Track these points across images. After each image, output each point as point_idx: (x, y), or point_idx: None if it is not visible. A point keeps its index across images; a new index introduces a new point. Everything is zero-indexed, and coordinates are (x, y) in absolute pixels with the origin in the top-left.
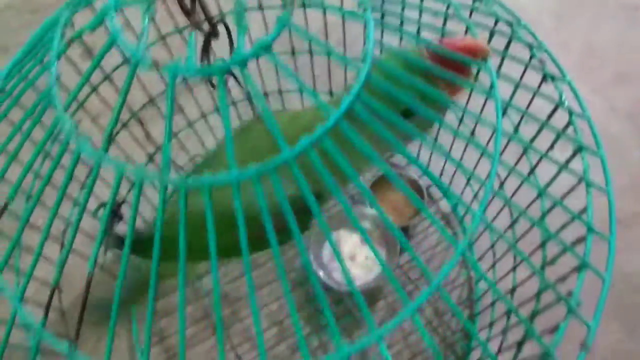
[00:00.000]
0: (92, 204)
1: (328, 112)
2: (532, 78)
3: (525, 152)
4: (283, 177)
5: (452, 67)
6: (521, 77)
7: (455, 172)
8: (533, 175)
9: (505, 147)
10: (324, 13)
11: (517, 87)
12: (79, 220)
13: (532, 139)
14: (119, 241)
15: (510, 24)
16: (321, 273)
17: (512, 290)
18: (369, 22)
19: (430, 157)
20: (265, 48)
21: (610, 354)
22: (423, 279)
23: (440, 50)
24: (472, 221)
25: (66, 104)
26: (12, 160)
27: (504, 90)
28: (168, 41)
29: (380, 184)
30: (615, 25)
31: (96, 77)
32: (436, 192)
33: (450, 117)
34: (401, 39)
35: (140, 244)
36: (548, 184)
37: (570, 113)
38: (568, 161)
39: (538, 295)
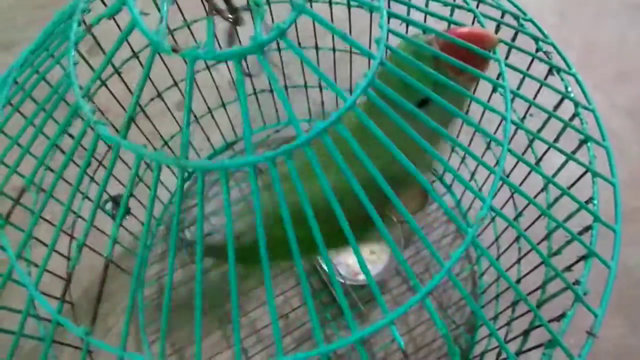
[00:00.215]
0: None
1: (344, 99)
2: (538, 72)
3: (530, 144)
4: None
5: (462, 57)
6: (528, 68)
7: (459, 166)
8: (538, 166)
9: (511, 139)
10: (330, 6)
11: (524, 77)
12: (98, 201)
13: (539, 130)
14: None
15: (516, 17)
16: (326, 267)
17: (517, 283)
18: (382, 10)
19: None
20: (282, 34)
21: (612, 347)
22: (427, 273)
23: (451, 40)
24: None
25: (86, 88)
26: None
27: (509, 83)
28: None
29: None
30: (616, 22)
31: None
32: (440, 187)
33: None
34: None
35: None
36: (555, 174)
37: (576, 104)
38: (574, 151)
39: (544, 285)
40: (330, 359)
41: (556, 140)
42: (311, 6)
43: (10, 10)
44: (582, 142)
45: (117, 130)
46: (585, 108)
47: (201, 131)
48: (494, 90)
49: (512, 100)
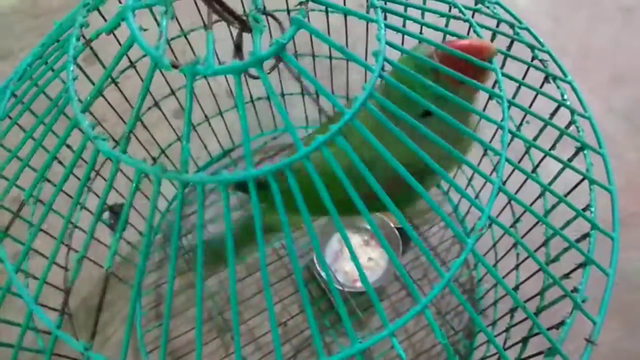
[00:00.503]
0: (93, 207)
1: (343, 111)
2: (534, 79)
3: (527, 151)
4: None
5: (461, 69)
6: (524, 75)
7: (455, 173)
8: (535, 173)
9: (507, 146)
10: (327, 15)
11: (520, 85)
12: (98, 215)
13: (535, 138)
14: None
15: (511, 26)
16: (324, 274)
17: (515, 289)
18: (379, 23)
19: None
20: (281, 49)
21: (610, 352)
22: (425, 280)
23: (450, 52)
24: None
25: (84, 104)
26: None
27: (506, 89)
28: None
29: None
30: (611, 27)
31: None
32: (437, 194)
33: None
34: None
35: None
36: (551, 182)
37: (572, 112)
38: (571, 159)
39: (542, 292)
40: None
41: (553, 147)
42: (308, 14)
43: (7, 18)
44: (579, 150)
45: (114, 140)
46: (582, 116)
47: (198, 139)
48: (491, 98)
49: (509, 108)
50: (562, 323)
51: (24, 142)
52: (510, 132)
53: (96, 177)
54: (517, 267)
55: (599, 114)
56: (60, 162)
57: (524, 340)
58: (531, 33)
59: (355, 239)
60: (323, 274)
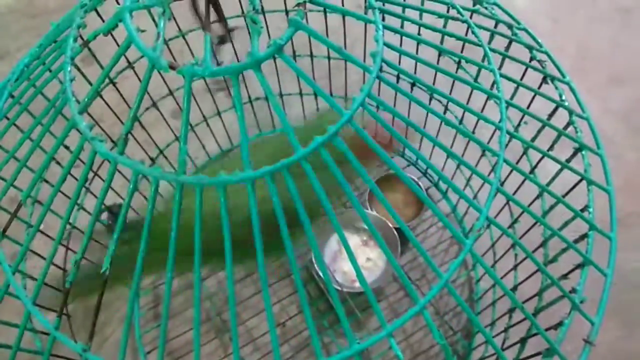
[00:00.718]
0: (91, 207)
1: (341, 112)
2: (532, 79)
3: (525, 151)
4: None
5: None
6: (522, 76)
7: (454, 174)
8: (533, 174)
9: (505, 147)
10: (325, 16)
11: (518, 86)
12: (96, 217)
13: (534, 138)
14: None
15: (510, 26)
16: (322, 274)
17: (513, 290)
18: (377, 24)
19: (430, 157)
20: (278, 50)
21: (608, 351)
22: (424, 280)
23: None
24: (477, 219)
25: (82, 105)
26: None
27: (504, 90)
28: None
29: (380, 186)
30: (609, 27)
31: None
32: (435, 194)
33: (450, 117)
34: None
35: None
36: (549, 183)
37: (570, 113)
38: (569, 159)
39: (540, 292)
40: None
41: (551, 148)
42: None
43: (3, 18)
44: (577, 150)
45: (112, 141)
46: (580, 116)
47: (196, 139)
48: (489, 98)
49: (507, 109)
50: (560, 323)
51: (22, 143)
52: (508, 132)
53: (94, 177)
54: (515, 267)
55: (597, 114)
56: (58, 163)
57: (522, 341)
58: (529, 34)
59: (354, 240)
60: (322, 274)
